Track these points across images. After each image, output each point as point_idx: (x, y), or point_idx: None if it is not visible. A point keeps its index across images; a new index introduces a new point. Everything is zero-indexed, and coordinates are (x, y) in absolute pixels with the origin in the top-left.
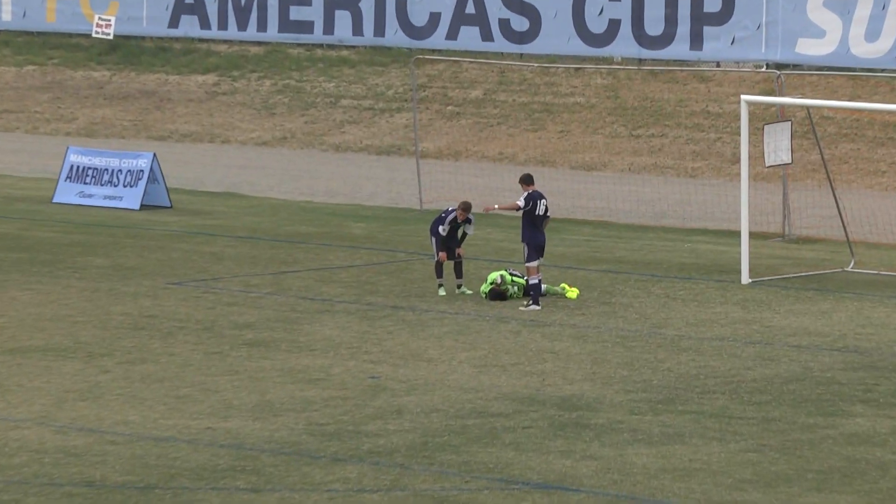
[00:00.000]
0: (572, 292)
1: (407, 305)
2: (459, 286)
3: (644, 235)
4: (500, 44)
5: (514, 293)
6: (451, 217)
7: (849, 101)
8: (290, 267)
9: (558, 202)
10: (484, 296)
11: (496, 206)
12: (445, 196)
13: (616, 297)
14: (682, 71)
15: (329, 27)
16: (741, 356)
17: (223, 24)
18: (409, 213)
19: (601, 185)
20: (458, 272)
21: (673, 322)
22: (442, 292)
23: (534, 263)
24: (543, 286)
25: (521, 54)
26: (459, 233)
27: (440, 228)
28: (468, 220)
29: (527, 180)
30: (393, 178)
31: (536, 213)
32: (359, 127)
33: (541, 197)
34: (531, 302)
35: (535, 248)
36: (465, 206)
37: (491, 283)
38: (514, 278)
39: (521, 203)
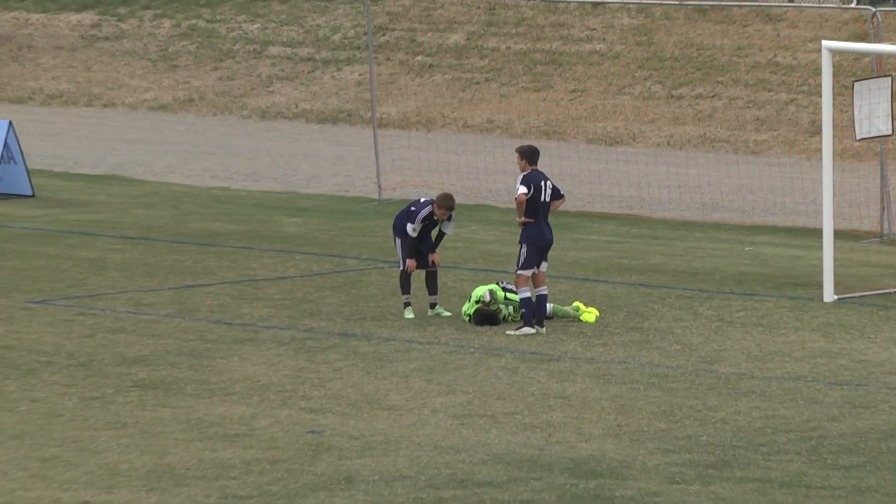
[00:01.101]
0: (589, 314)
1: (360, 332)
2: (433, 305)
3: (688, 235)
4: None
5: (509, 315)
6: (424, 212)
7: None
8: (199, 279)
9: (570, 189)
10: (467, 319)
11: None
12: (414, 181)
13: (650, 321)
14: (740, 7)
15: None
16: (823, 402)
17: None
18: (364, 205)
19: (629, 166)
20: (432, 287)
21: (729, 355)
22: (409, 314)
23: (527, 272)
24: (550, 305)
25: None
26: (434, 233)
27: (409, 227)
28: (448, 218)
29: (529, 155)
30: (341, 157)
31: (542, 199)
32: (293, 85)
33: (543, 178)
34: (524, 324)
35: (538, 252)
36: (447, 203)
37: (477, 302)
38: (509, 295)
39: (523, 189)
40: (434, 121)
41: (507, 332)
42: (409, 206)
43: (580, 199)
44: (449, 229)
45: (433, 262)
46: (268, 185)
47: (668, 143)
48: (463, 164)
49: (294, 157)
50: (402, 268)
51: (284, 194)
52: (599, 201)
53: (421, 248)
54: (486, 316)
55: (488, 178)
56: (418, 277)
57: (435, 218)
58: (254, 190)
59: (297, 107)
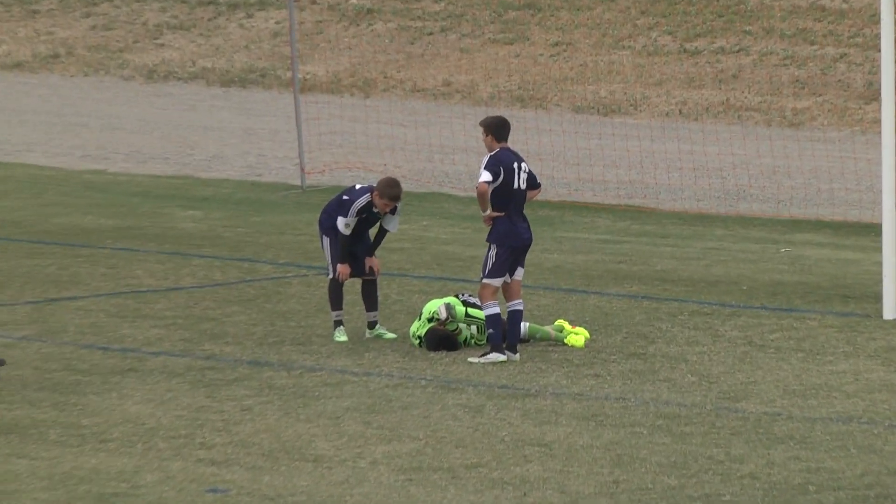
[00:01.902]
0: (577, 336)
1: (277, 360)
2: (373, 325)
3: (706, 232)
4: None
5: (472, 337)
6: (360, 203)
7: None
8: (65, 290)
9: (553, 172)
10: (417, 342)
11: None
12: (347, 162)
13: (656, 344)
14: None
15: None
16: (883, 451)
17: None
18: (282, 194)
19: (629, 142)
20: (371, 300)
21: (759, 389)
22: (340, 336)
23: (496, 281)
24: (526, 325)
25: None
26: (374, 230)
27: (341, 222)
28: (392, 211)
29: (496, 129)
30: (252, 130)
31: (515, 186)
32: (189, 36)
33: (517, 160)
34: (491, 349)
35: (510, 255)
36: (390, 191)
37: (430, 320)
38: (472, 311)
39: (485, 177)
40: (374, 83)
41: (470, 360)
42: (342, 195)
43: (565, 186)
44: (393, 225)
45: (372, 268)
46: (156, 168)
47: (681, 112)
48: (412, 140)
49: (190, 130)
50: (331, 276)
51: (178, 179)
52: (590, 188)
53: (356, 251)
54: (442, 338)
55: (445, 157)
56: (353, 289)
57: (375, 210)
58: (138, 174)
59: (193, 64)
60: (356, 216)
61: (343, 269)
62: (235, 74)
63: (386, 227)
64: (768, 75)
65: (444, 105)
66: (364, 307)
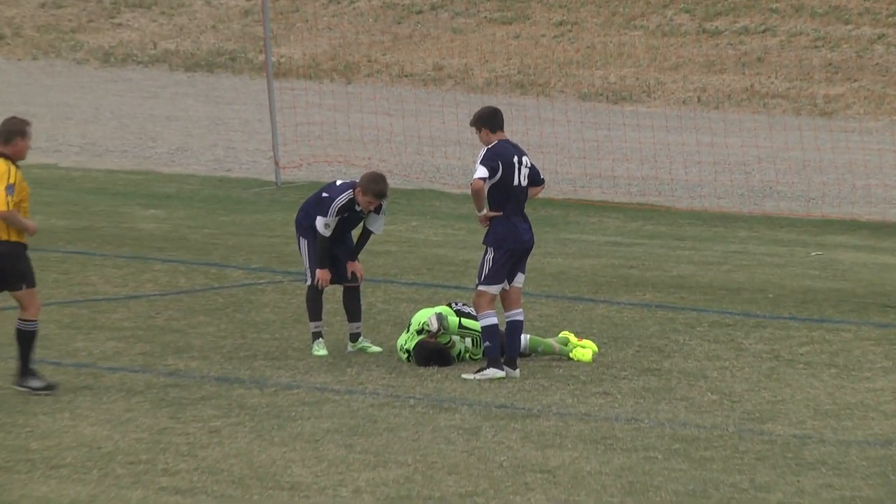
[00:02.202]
0: (584, 350)
1: (249, 376)
2: (356, 337)
3: (728, 234)
4: None
5: (466, 351)
6: (341, 201)
7: None
8: (9, 299)
9: (557, 167)
10: (405, 356)
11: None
12: (327, 156)
13: (672, 359)
14: None
15: None
16: None
17: None
18: (254, 191)
19: (641, 133)
20: (354, 310)
21: (788, 409)
22: (320, 350)
23: (493, 288)
24: (526, 337)
25: None
26: (357, 231)
27: (320, 223)
28: (378, 210)
29: (487, 120)
30: (220, 120)
31: (514, 183)
32: (149, 15)
33: (517, 153)
34: (487, 364)
35: (509, 259)
36: (375, 188)
37: (420, 332)
38: (466, 321)
39: (480, 173)
40: (356, 67)
41: (464, 377)
42: (321, 193)
43: (570, 182)
44: (377, 226)
45: (355, 273)
46: (113, 162)
47: (699, 99)
48: (399, 131)
49: (152, 119)
50: (309, 282)
51: (138, 175)
52: (598, 185)
53: (337, 254)
54: (433, 352)
55: (436, 150)
56: (334, 297)
57: (358, 209)
58: (93, 168)
59: (155, 47)
60: (337, 216)
61: (322, 274)
62: (202, 58)
63: (370, 228)
64: (797, 58)
65: (435, 92)
66: (346, 317)
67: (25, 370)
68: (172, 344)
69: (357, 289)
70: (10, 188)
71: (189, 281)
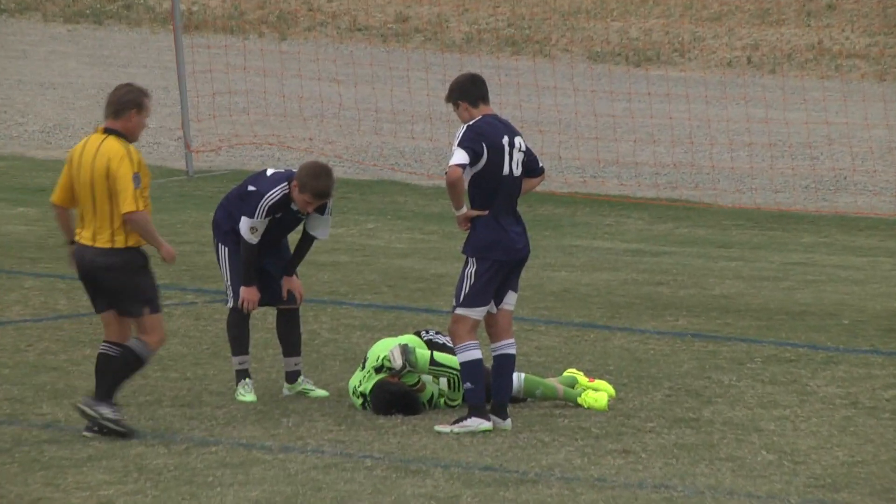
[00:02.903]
0: (596, 394)
1: (151, 429)
2: (293, 377)
3: (788, 238)
4: None
5: (442, 394)
6: (273, 197)
7: None
8: None
9: (558, 151)
10: (360, 401)
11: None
12: (253, 136)
13: (714, 406)
14: None
15: None
16: None
17: None
18: (158, 182)
19: (672, 105)
20: (292, 341)
21: (870, 472)
22: (246, 394)
23: (476, 312)
24: (520, 377)
25: None
26: (296, 233)
27: (245, 225)
28: (322, 210)
29: (466, 92)
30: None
31: (504, 172)
32: None
33: (507, 132)
34: (469, 413)
35: (497, 273)
36: (317, 186)
37: (380, 370)
38: (440, 356)
39: (458, 158)
40: (292, 18)
41: (438, 429)
42: (246, 186)
43: (577, 171)
44: (321, 230)
45: (292, 293)
46: None
47: (749, 60)
48: (350, 103)
49: (20, 87)
50: (231, 304)
51: (1, 161)
52: (615, 174)
53: (269, 267)
54: (397, 396)
55: (400, 129)
56: (264, 322)
57: (294, 208)
58: None
59: None
60: (267, 217)
61: (248, 293)
62: (86, 4)
63: (312, 233)
64: (880, 5)
65: (398, 51)
66: (281, 350)
67: (106, 393)
68: (48, 386)
69: (295, 312)
70: (136, 178)
71: (71, 302)
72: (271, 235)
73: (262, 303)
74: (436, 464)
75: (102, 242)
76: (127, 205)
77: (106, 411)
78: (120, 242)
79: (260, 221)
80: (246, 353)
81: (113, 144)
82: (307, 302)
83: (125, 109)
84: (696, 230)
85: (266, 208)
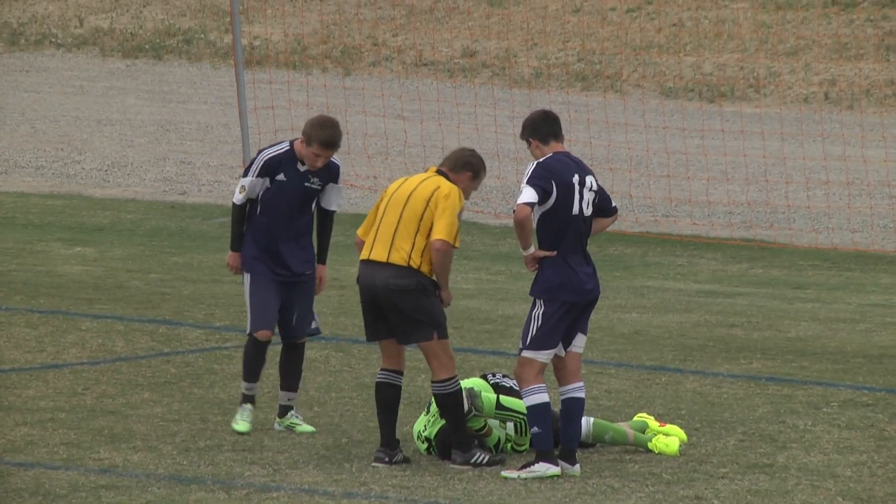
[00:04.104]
0: (668, 439)
1: (212, 474)
2: (284, 412)
3: (868, 280)
4: None
5: (508, 439)
6: (272, 153)
7: None
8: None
9: (629, 189)
10: (426, 446)
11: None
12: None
13: (789, 450)
14: None
15: None
16: None
17: None
18: (217, 220)
19: (747, 143)
20: (290, 375)
21: None
22: (239, 423)
23: (543, 355)
24: (589, 421)
25: None
26: (307, 206)
27: (238, 185)
28: (331, 171)
29: (539, 128)
30: (171, 123)
31: (574, 211)
32: None
33: (578, 171)
34: (536, 458)
35: (566, 315)
36: (323, 135)
37: (436, 416)
38: (506, 400)
39: (527, 196)
40: (357, 53)
41: (505, 474)
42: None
43: (649, 210)
44: (336, 201)
45: (300, 327)
46: (25, 182)
47: (827, 96)
48: (415, 139)
49: (77, 124)
50: (249, 330)
51: (58, 199)
52: (688, 213)
53: (280, 247)
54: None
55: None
56: (326, 364)
57: (301, 169)
58: None
59: (81, 24)
60: (264, 176)
61: (231, 259)
62: (145, 39)
63: (327, 208)
64: None
65: (466, 86)
66: (279, 383)
67: (461, 441)
68: (106, 430)
69: (301, 348)
70: (460, 216)
71: (129, 345)
72: (278, 209)
73: (285, 340)
74: None
75: (397, 260)
76: (444, 233)
77: (476, 458)
78: (415, 264)
79: (252, 181)
80: (255, 380)
81: (446, 181)
82: (371, 344)
83: (464, 169)
84: (771, 271)
85: (262, 163)
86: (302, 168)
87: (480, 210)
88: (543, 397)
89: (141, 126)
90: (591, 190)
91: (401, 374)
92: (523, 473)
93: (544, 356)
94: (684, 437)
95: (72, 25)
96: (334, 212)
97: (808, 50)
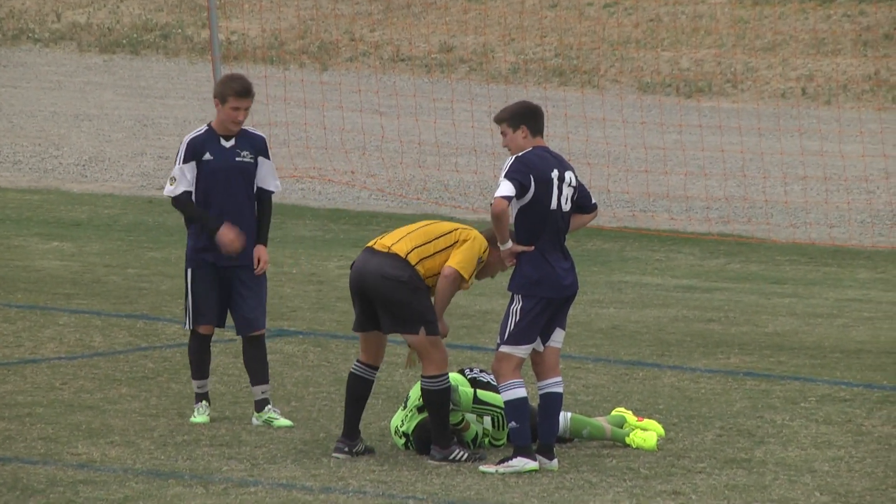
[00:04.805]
0: (645, 434)
1: (189, 469)
2: (262, 406)
3: (844, 275)
4: None
5: (486, 434)
6: (193, 134)
7: None
8: None
9: (607, 184)
10: (403, 441)
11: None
12: (295, 169)
13: (767, 445)
14: None
15: None
16: None
17: None
18: None
19: (724, 138)
20: (257, 369)
21: None
22: (198, 417)
23: (521, 350)
24: (567, 416)
25: None
26: (246, 186)
27: (168, 185)
28: (256, 143)
29: (525, 119)
30: (148, 118)
31: (552, 206)
32: None
33: (558, 166)
34: (514, 453)
35: (544, 311)
36: (236, 86)
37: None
38: (484, 394)
39: (504, 190)
40: (334, 48)
41: (483, 469)
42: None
43: (626, 205)
44: (270, 181)
45: (252, 320)
46: (2, 177)
47: (804, 91)
48: (393, 135)
49: (54, 119)
50: (188, 327)
51: (35, 194)
52: (665, 208)
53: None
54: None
55: (443, 161)
56: (304, 360)
57: (228, 146)
58: None
59: (58, 19)
60: (191, 160)
61: (227, 233)
62: (122, 34)
63: (265, 188)
64: None
65: (443, 82)
66: (249, 380)
67: (441, 437)
68: (84, 425)
69: (261, 340)
70: (480, 261)
71: (107, 339)
72: (216, 192)
73: (240, 333)
74: None
75: (398, 251)
76: (459, 265)
77: (455, 455)
78: (413, 260)
79: (179, 168)
80: (205, 377)
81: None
82: (348, 339)
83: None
84: (749, 266)
85: (185, 147)
86: (227, 144)
87: (458, 205)
88: (521, 392)
89: (118, 121)
90: (570, 185)
91: (375, 369)
92: (501, 468)
93: (522, 351)
94: (662, 431)
95: (49, 20)
96: (272, 192)
97: (786, 45)
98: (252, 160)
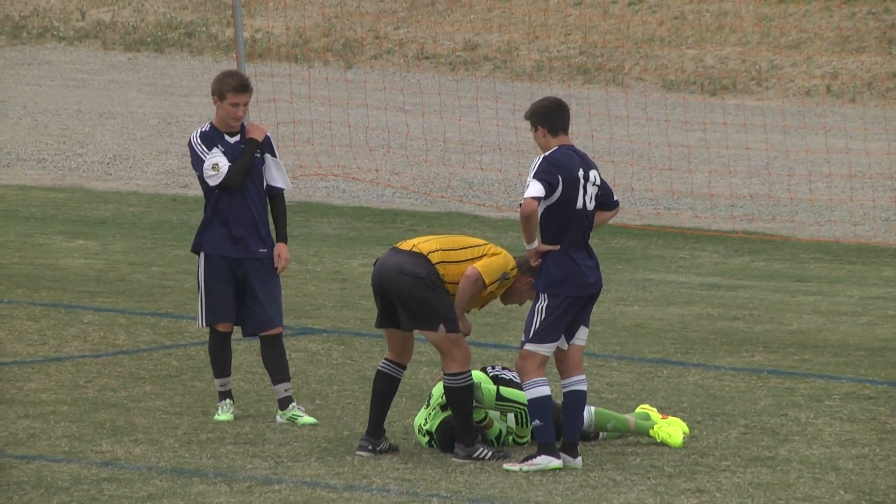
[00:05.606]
0: (670, 430)
1: (213, 468)
2: (286, 404)
3: (869, 273)
4: None
5: (510, 432)
6: (198, 130)
7: None
8: None
9: (631, 182)
10: (426, 439)
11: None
12: (318, 167)
13: (791, 443)
14: None
15: None
16: None
17: None
18: None
19: (749, 136)
20: (277, 368)
21: None
22: (222, 415)
23: (545, 348)
24: (591, 412)
25: None
26: (256, 180)
27: (208, 167)
28: (270, 147)
29: (548, 117)
30: (172, 116)
31: (578, 205)
32: None
33: (583, 165)
34: (538, 450)
35: (569, 309)
36: (233, 82)
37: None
38: (507, 391)
39: (533, 190)
40: (358, 46)
41: (507, 467)
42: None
43: (651, 203)
44: (280, 178)
45: (270, 317)
46: (27, 175)
47: (828, 89)
48: (417, 133)
49: (79, 117)
50: (201, 325)
51: (59, 192)
52: (690, 206)
53: (233, 229)
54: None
55: (468, 159)
56: (328, 358)
57: (231, 141)
58: None
59: (83, 17)
60: (211, 147)
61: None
62: (147, 32)
63: (274, 185)
64: None
65: (467, 80)
66: (270, 379)
67: (465, 435)
68: (108, 423)
69: (278, 338)
70: (504, 276)
71: (131, 337)
72: (229, 190)
73: (245, 333)
74: (505, 503)
75: (421, 249)
76: (483, 268)
77: (479, 452)
78: (434, 260)
79: (211, 157)
80: (227, 374)
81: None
82: (372, 337)
83: (527, 273)
84: (773, 263)
85: (199, 138)
86: (232, 140)
87: (482, 203)
88: (545, 390)
89: (143, 119)
90: (594, 184)
91: (403, 367)
92: (525, 466)
93: (546, 349)
94: (686, 429)
95: (73, 18)
96: (283, 190)
97: (811, 43)
98: (258, 156)
